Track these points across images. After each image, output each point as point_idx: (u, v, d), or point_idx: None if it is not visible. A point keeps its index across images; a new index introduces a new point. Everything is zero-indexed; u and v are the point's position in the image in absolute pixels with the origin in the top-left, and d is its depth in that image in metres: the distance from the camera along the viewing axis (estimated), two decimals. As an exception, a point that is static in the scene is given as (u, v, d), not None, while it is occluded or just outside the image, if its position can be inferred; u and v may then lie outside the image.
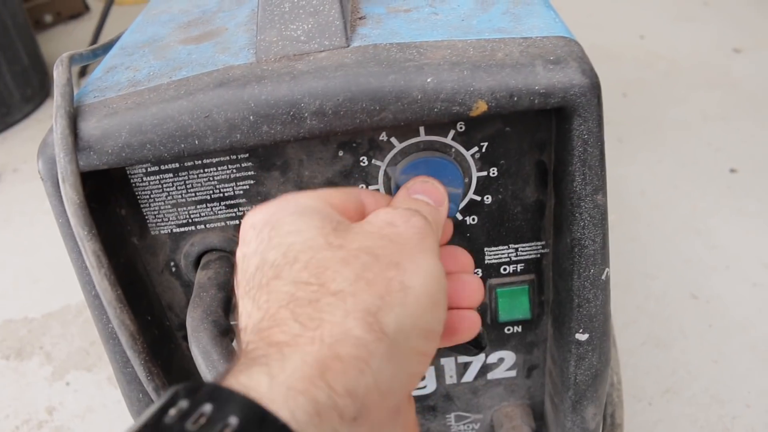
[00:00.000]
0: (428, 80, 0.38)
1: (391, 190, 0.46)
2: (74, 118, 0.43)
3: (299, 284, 0.28)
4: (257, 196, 0.47)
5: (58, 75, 0.46)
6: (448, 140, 0.44)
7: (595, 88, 0.38)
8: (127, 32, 0.58)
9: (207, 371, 0.42)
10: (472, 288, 0.36)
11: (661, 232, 1.08)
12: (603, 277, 0.45)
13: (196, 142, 0.41)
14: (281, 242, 0.30)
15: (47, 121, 1.78)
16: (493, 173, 0.46)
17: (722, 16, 1.73)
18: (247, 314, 0.29)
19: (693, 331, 0.90)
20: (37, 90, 1.84)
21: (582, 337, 0.47)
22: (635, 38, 1.68)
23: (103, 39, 2.05)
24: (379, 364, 0.27)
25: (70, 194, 0.40)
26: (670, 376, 0.84)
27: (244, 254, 0.32)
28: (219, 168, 0.46)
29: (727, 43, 1.60)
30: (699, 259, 1.01)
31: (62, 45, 2.18)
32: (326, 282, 0.28)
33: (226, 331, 0.44)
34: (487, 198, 0.47)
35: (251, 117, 0.40)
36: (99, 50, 0.57)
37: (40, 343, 1.08)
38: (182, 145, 0.41)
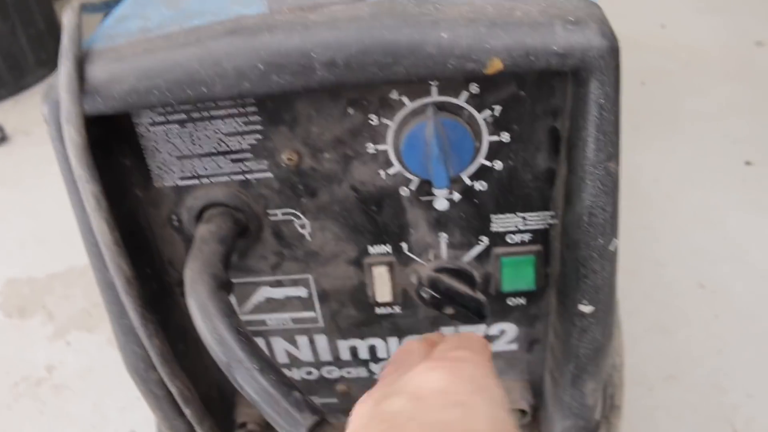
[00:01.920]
0: (443, 35, 0.37)
1: (400, 151, 0.45)
2: (81, 62, 0.42)
3: None
4: (264, 150, 0.46)
5: (68, 19, 0.45)
6: (461, 102, 0.43)
7: (614, 50, 0.37)
8: (141, -17, 0.57)
9: (203, 324, 0.41)
10: None
11: (672, 221, 1.06)
12: (611, 248, 0.44)
13: (204, 89, 0.40)
14: None
15: (60, 85, 1.77)
16: (505, 138, 0.45)
17: (746, 9, 1.70)
18: None
19: (698, 320, 0.89)
20: (52, 54, 1.83)
21: (586, 309, 0.47)
22: (656, 27, 1.66)
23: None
24: None
25: (73, 135, 0.39)
26: (673, 364, 0.84)
27: None
28: (226, 120, 0.45)
29: (750, 36, 1.58)
30: (709, 250, 1.00)
31: (78, 10, 2.16)
32: None
33: (224, 285, 0.43)
34: (497, 164, 0.46)
35: (261, 66, 0.39)
36: (112, 2, 0.56)
37: (42, 303, 1.09)
38: (189, 92, 0.40)
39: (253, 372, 0.39)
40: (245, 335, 0.41)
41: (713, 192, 1.11)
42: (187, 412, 0.44)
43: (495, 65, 0.37)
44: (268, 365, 0.40)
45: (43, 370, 0.98)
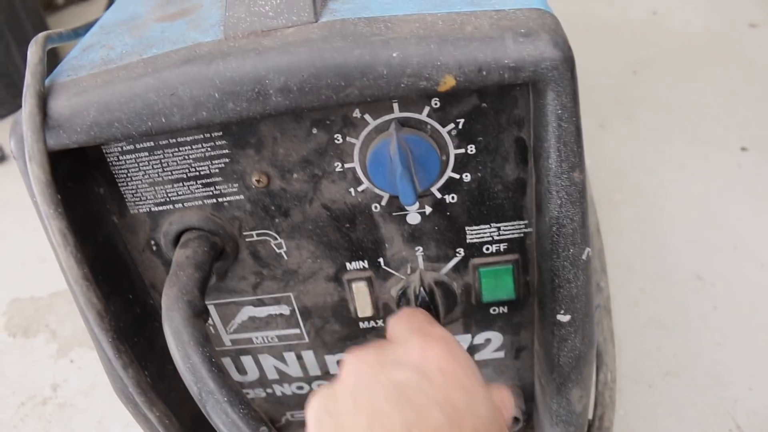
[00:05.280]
0: (394, 55, 0.37)
1: (366, 168, 0.45)
2: (44, 97, 0.42)
3: None
4: (233, 174, 0.46)
5: (31, 54, 0.45)
6: (423, 117, 0.43)
7: (568, 61, 0.37)
8: (109, 11, 0.57)
9: (177, 352, 0.41)
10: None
11: (667, 211, 1.05)
12: (583, 257, 0.44)
13: (163, 120, 0.40)
14: None
15: (58, 103, 1.78)
16: (471, 150, 0.44)
17: (740, -9, 1.68)
18: None
19: (697, 312, 0.88)
20: (48, 72, 1.84)
21: (563, 318, 0.46)
22: (648, 14, 1.64)
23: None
24: None
25: (36, 172, 0.39)
26: (672, 359, 0.83)
27: None
28: (194, 146, 0.46)
29: (743, 18, 1.56)
30: (705, 240, 0.99)
31: (72, 26, 2.17)
32: None
33: (200, 312, 0.43)
34: (466, 176, 0.46)
35: (216, 94, 0.39)
36: (81, 30, 0.57)
37: (45, 321, 1.10)
38: (149, 123, 0.40)
39: (223, 404, 0.40)
40: (218, 366, 0.41)
41: (709, 180, 1.10)
42: (168, 438, 0.44)
43: (448, 82, 0.37)
44: (237, 398, 0.40)
45: (48, 389, 0.98)
